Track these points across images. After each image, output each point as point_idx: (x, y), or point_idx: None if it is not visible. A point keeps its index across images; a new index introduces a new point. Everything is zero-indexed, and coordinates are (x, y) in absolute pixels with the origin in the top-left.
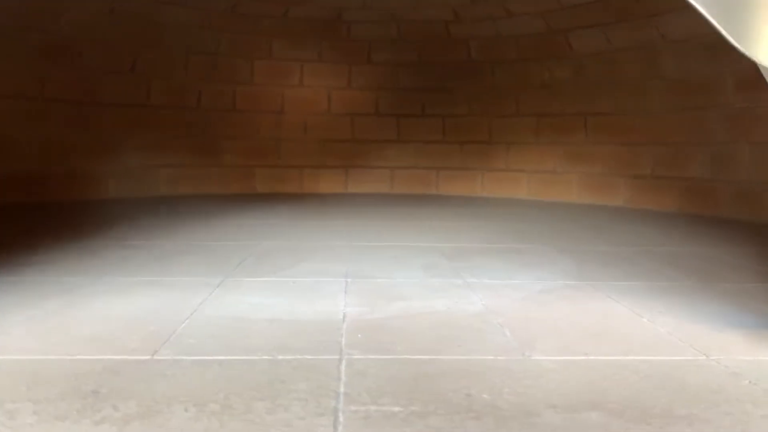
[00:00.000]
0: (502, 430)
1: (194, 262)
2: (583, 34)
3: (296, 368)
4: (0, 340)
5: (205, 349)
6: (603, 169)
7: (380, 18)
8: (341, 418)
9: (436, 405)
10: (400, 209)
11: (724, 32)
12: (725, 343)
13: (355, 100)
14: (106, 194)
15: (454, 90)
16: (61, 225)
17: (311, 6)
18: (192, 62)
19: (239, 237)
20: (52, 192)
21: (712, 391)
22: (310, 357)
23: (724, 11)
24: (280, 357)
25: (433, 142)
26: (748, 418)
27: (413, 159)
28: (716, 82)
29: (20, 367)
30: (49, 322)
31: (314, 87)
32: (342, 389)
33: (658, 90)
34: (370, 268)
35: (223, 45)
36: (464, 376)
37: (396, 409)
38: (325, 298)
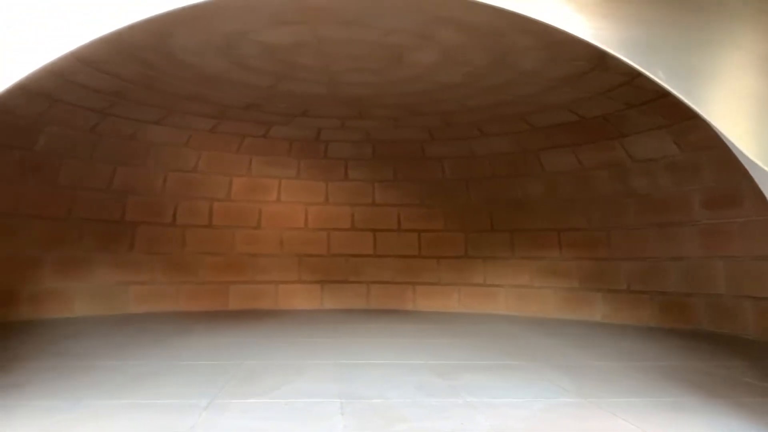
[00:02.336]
0: None
1: (175, 383)
2: (553, 154)
3: None
4: None
5: None
6: (579, 284)
7: (357, 138)
8: None
9: None
10: (379, 325)
11: (683, 98)
12: None
13: (332, 216)
14: (72, 312)
15: (430, 205)
16: (30, 345)
17: (291, 126)
18: (170, 179)
19: (218, 356)
20: (18, 311)
21: None
22: None
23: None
24: None
25: (409, 257)
26: None
27: (390, 273)
28: (685, 200)
29: None
30: None
31: (291, 203)
32: None
33: (632, 206)
34: (362, 388)
35: (202, 162)
36: None
37: None
38: (322, 420)
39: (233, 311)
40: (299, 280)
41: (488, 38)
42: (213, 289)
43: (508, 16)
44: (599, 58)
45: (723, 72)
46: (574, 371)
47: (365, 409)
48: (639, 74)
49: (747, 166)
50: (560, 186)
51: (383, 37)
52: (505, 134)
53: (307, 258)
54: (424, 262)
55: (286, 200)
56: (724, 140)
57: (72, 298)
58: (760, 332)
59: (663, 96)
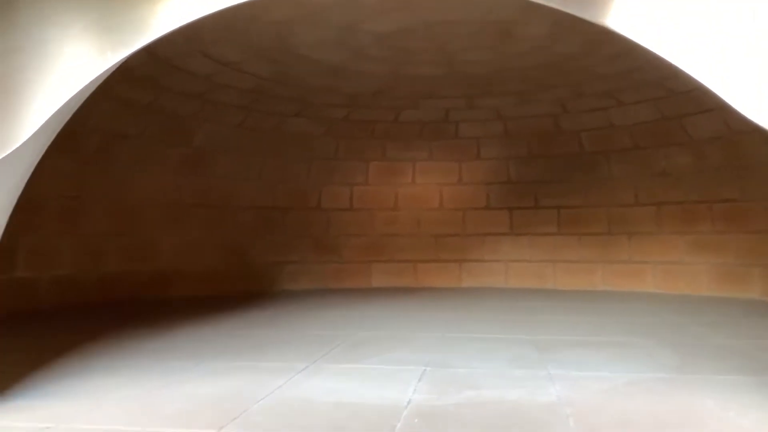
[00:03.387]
0: None
1: (288, 350)
2: (698, 119)
3: None
4: (92, 414)
5: (268, 426)
6: (734, 260)
7: (486, 117)
8: None
9: None
10: (510, 303)
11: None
12: None
13: (466, 195)
14: (233, 289)
15: (568, 181)
16: (185, 316)
17: (420, 110)
18: (313, 167)
19: (339, 327)
20: (185, 288)
21: None
22: None
23: None
24: None
25: (548, 234)
26: None
27: (528, 252)
28: None
29: None
30: (143, 400)
31: (426, 184)
32: None
33: None
34: (454, 358)
35: (341, 150)
36: None
37: None
38: (397, 384)
39: (375, 288)
40: (437, 258)
41: None
42: (357, 269)
43: None
44: None
45: None
46: (688, 349)
47: (444, 377)
48: None
49: None
50: (709, 154)
51: (486, 15)
52: (644, 102)
53: (443, 237)
54: (564, 239)
55: (421, 182)
56: None
57: (232, 277)
58: None
59: None
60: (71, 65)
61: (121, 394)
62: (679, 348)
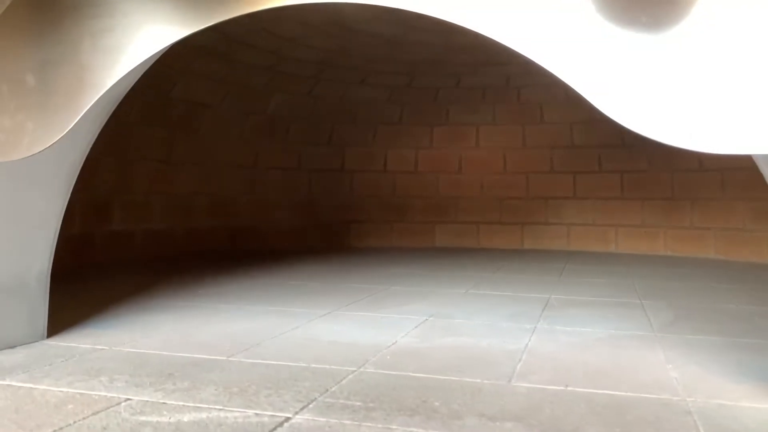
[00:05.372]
0: (418, 426)
1: (321, 298)
2: None
3: (314, 372)
4: (139, 342)
5: (267, 356)
6: None
7: (547, 82)
8: (311, 405)
9: (388, 407)
10: (559, 265)
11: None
12: (720, 392)
13: (530, 159)
14: (304, 245)
15: (632, 146)
16: (250, 267)
17: (480, 75)
18: (379, 132)
19: (378, 282)
20: (262, 242)
21: (638, 421)
22: (333, 367)
23: None
24: (313, 365)
25: (611, 199)
26: None
27: (590, 215)
28: None
29: (139, 357)
30: (182, 333)
31: (489, 148)
32: (333, 388)
33: None
34: (460, 312)
35: (405, 115)
36: (431, 390)
37: (357, 404)
38: (394, 330)
39: (438, 248)
40: (499, 221)
41: None
42: (421, 229)
43: None
44: None
45: None
46: (689, 312)
47: (438, 326)
48: None
49: None
50: None
51: None
52: None
53: (507, 200)
54: (626, 203)
55: (485, 145)
56: None
57: (303, 233)
58: None
59: None
60: (148, 35)
61: (168, 328)
62: (681, 311)
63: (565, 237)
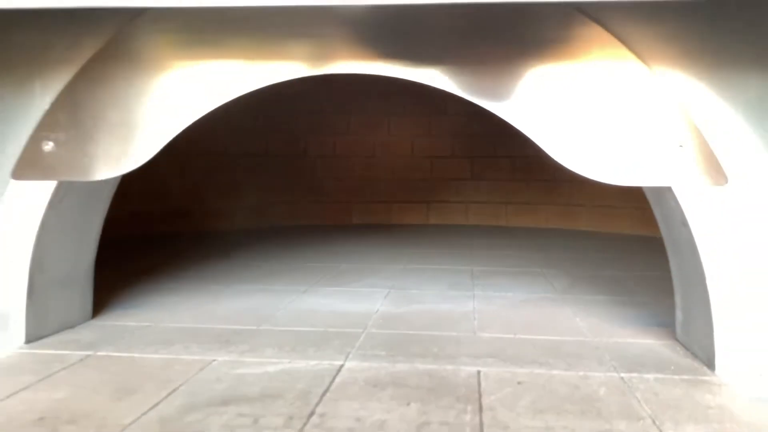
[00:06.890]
0: (432, 363)
1: (292, 276)
2: None
3: (336, 334)
4: (174, 317)
5: (288, 324)
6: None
7: None
8: (351, 355)
9: (404, 353)
10: (466, 240)
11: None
12: (614, 334)
13: (434, 146)
14: (233, 227)
15: (521, 135)
16: (210, 250)
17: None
18: (302, 119)
19: (327, 260)
20: (196, 224)
21: (567, 353)
22: (346, 329)
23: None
24: (330, 329)
25: (503, 180)
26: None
27: (486, 194)
28: None
29: (187, 330)
30: (201, 309)
31: (399, 136)
32: (357, 343)
33: None
34: (410, 284)
35: (327, 104)
36: (426, 341)
37: (383, 353)
38: (370, 301)
39: (355, 225)
40: (408, 200)
41: None
42: (339, 207)
43: None
44: None
45: None
46: (584, 279)
47: (401, 296)
48: None
49: None
50: None
51: None
52: None
53: (414, 182)
54: (516, 184)
55: (395, 134)
56: None
57: (231, 214)
58: None
59: None
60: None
61: (185, 306)
62: (575, 278)
63: (464, 213)
